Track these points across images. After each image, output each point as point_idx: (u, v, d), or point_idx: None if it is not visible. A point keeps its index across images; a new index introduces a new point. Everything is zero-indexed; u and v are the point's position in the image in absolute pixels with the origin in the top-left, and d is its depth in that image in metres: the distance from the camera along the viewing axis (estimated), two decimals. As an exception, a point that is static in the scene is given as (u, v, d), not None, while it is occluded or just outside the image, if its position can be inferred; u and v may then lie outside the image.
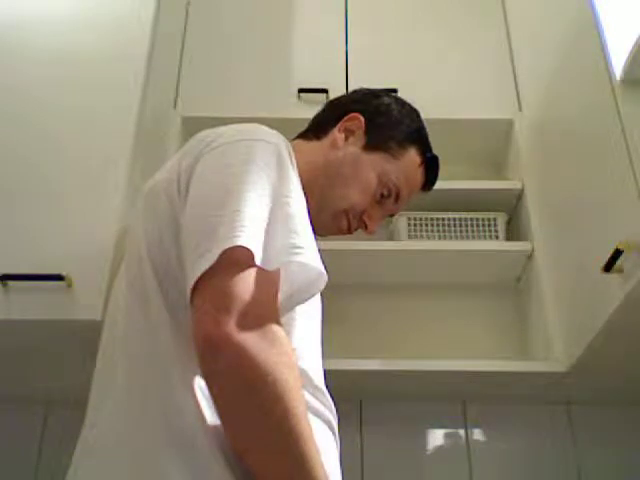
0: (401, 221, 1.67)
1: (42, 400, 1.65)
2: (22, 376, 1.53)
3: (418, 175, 1.11)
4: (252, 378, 0.67)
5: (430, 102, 1.74)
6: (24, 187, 1.37)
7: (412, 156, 1.10)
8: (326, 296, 1.65)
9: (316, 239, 0.83)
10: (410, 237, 1.65)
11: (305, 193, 0.87)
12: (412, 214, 1.67)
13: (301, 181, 0.87)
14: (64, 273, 1.25)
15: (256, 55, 1.83)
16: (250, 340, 0.67)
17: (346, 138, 1.07)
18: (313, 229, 0.91)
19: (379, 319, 1.70)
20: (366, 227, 1.09)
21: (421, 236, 1.66)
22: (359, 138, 1.07)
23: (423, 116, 1.70)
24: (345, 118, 1.08)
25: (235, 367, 0.67)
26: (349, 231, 1.09)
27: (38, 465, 1.59)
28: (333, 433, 0.84)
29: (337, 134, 1.07)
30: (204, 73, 1.81)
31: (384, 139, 1.08)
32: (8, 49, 1.55)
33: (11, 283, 1.26)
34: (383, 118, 1.10)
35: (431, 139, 1.76)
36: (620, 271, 1.14)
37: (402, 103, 1.15)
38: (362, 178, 1.05)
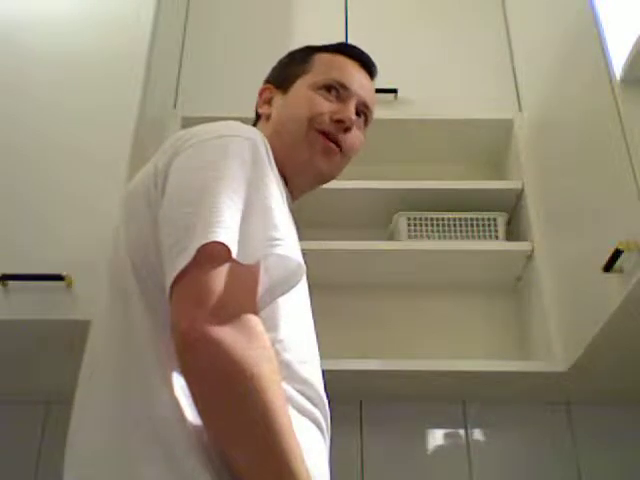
0: (401, 221, 1.67)
1: (42, 400, 1.65)
2: (22, 376, 1.53)
3: (342, 61, 1.10)
4: (230, 373, 0.67)
5: (430, 102, 1.76)
6: (24, 187, 1.37)
7: (322, 56, 1.11)
8: (326, 296, 1.66)
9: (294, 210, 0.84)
10: (410, 237, 1.65)
11: (286, 167, 0.93)
12: (412, 214, 1.67)
13: (281, 158, 0.91)
14: (64, 273, 1.25)
15: (256, 55, 1.83)
16: (227, 335, 0.68)
17: (269, 105, 1.11)
18: (323, 179, 1.06)
19: (379, 319, 1.70)
20: (344, 122, 1.04)
21: (421, 236, 1.65)
22: (276, 94, 1.11)
23: (424, 116, 1.73)
24: (258, 96, 1.14)
25: (213, 363, 0.67)
26: (333, 142, 1.04)
27: (38, 465, 1.59)
28: (320, 430, 0.83)
29: (261, 109, 1.12)
30: (204, 73, 1.81)
31: (291, 72, 1.11)
32: (9, 49, 1.55)
33: (11, 283, 1.26)
34: (280, 69, 1.16)
35: (431, 139, 1.79)
36: (620, 271, 1.14)
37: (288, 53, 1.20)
38: (301, 100, 1.06)
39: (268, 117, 1.09)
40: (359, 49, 1.14)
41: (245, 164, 0.80)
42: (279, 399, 0.69)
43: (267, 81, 1.15)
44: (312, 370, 0.86)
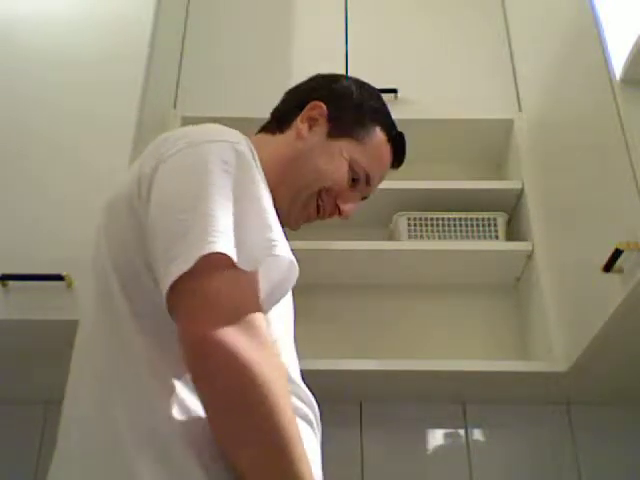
0: (401, 221, 1.67)
1: (42, 400, 1.65)
2: (22, 376, 1.53)
3: (386, 154, 1.10)
4: (242, 379, 0.67)
5: (430, 102, 1.76)
6: (24, 187, 1.37)
7: (378, 136, 1.08)
8: (326, 296, 1.66)
9: (286, 236, 0.82)
10: (410, 237, 1.65)
11: (273, 187, 0.87)
12: (412, 214, 1.67)
13: (268, 175, 0.86)
14: (64, 273, 1.25)
15: (256, 55, 1.83)
16: (239, 342, 0.68)
17: (310, 127, 1.05)
18: (282, 222, 0.90)
19: (379, 319, 1.70)
20: (340, 212, 1.07)
21: (421, 236, 1.65)
22: (323, 126, 1.05)
23: (424, 116, 1.73)
24: (307, 107, 1.06)
25: (225, 369, 0.67)
26: (318, 214, 1.07)
27: (38, 465, 1.59)
28: (311, 427, 0.85)
29: (300, 125, 1.05)
30: (204, 73, 1.81)
31: (348, 124, 1.06)
32: (8, 49, 1.55)
33: (11, 283, 1.27)
34: (344, 102, 1.08)
35: (431, 139, 1.79)
36: (620, 271, 1.14)
37: (361, 84, 1.13)
38: (332, 165, 1.04)
39: (301, 136, 1.04)
40: (405, 149, 1.13)
41: (234, 168, 0.79)
42: (288, 405, 0.70)
43: (321, 99, 1.07)
44: (297, 370, 0.89)
